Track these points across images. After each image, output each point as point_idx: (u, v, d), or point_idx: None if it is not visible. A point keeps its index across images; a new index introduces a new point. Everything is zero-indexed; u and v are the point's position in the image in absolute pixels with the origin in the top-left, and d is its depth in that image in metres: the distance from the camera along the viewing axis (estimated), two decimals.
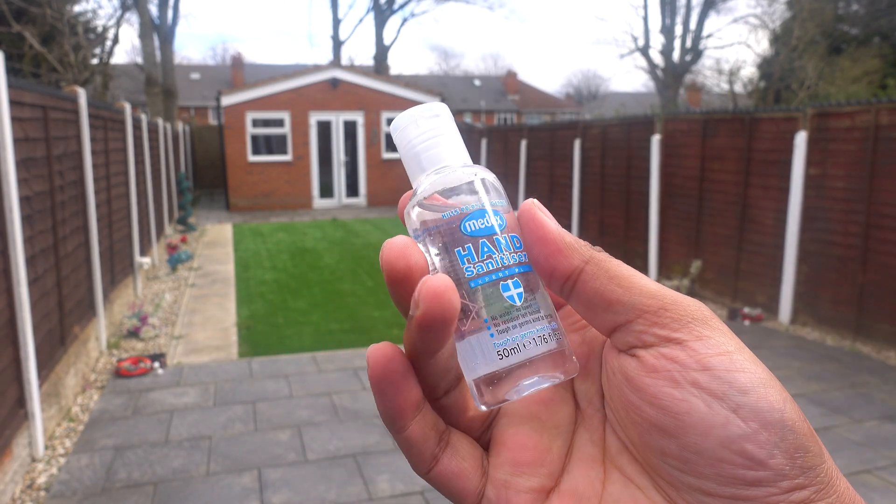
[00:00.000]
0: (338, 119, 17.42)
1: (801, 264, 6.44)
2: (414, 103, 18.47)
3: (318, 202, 17.70)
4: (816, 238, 6.25)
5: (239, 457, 3.87)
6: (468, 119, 35.12)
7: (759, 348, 5.82)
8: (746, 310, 6.77)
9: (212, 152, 22.96)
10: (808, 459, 0.30)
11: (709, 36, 25.84)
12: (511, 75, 39.58)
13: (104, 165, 6.45)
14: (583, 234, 10.25)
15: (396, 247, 0.33)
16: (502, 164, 13.34)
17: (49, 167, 4.55)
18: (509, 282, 0.35)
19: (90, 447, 3.99)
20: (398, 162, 17.77)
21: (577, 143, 10.20)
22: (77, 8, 16.80)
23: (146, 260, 8.06)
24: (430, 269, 0.35)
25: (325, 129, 17.40)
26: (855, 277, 5.89)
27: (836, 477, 0.30)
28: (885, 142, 5.59)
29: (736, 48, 70.09)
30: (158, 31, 19.99)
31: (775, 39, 19.78)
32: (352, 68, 18.84)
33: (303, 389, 4.89)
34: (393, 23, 76.45)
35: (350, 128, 17.59)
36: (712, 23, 41.33)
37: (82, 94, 5.49)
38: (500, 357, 0.34)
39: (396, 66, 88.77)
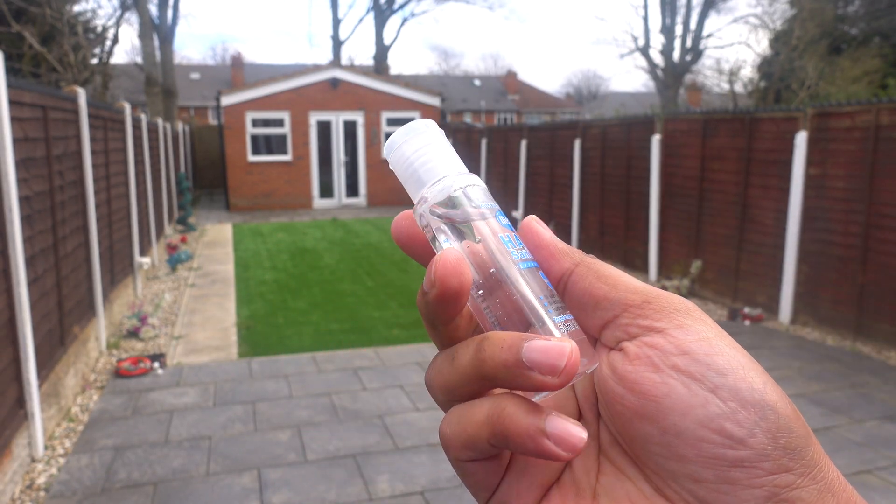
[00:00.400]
0: (338, 119, 17.42)
1: (801, 264, 6.44)
2: (414, 103, 18.41)
3: (318, 202, 17.70)
4: (817, 238, 6.25)
5: (239, 457, 3.87)
6: (468, 119, 35.13)
7: (760, 348, 5.81)
8: (746, 310, 6.77)
9: (212, 152, 22.96)
10: (793, 440, 0.29)
11: (709, 36, 25.86)
12: (511, 75, 39.59)
13: (104, 165, 6.44)
14: (583, 234, 10.24)
15: (451, 263, 0.33)
16: (502, 164, 13.33)
17: (49, 167, 4.54)
18: (540, 271, 0.36)
19: (90, 447, 3.98)
20: None
21: (577, 143, 10.20)
22: (77, 8, 16.80)
23: (146, 260, 8.06)
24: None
25: (325, 129, 17.40)
26: (855, 277, 5.89)
27: (823, 462, 0.30)
28: (885, 142, 5.58)
29: (736, 48, 70.09)
30: (158, 31, 20.00)
31: (775, 39, 19.78)
32: (352, 68, 18.84)
33: (303, 389, 4.89)
34: (393, 23, 76.51)
35: (350, 128, 17.59)
36: (712, 23, 41.38)
37: (82, 94, 5.49)
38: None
39: (396, 66, 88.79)
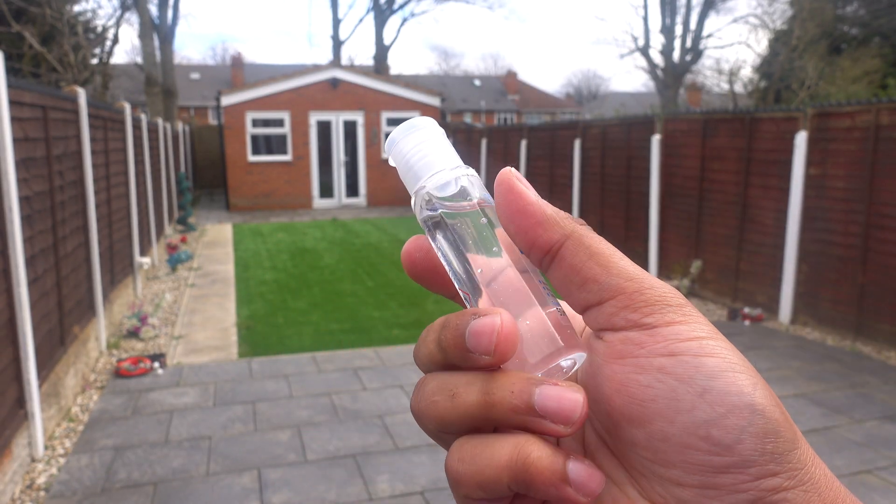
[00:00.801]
0: (338, 119, 17.42)
1: (801, 264, 6.44)
2: (414, 103, 18.40)
3: (318, 202, 17.70)
4: (817, 238, 6.25)
5: (239, 457, 3.87)
6: (468, 119, 35.13)
7: (760, 348, 5.81)
8: (747, 310, 6.77)
9: (212, 152, 22.96)
10: (780, 444, 0.29)
11: (709, 36, 25.85)
12: (511, 75, 39.60)
13: (104, 165, 6.44)
14: None
15: (512, 335, 0.32)
16: (502, 165, 13.28)
17: (49, 167, 4.54)
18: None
19: (90, 447, 3.98)
20: None
21: (577, 143, 10.20)
22: (77, 8, 16.80)
23: (146, 260, 8.05)
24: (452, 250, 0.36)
25: (325, 129, 17.40)
26: (855, 277, 5.89)
27: (811, 464, 0.30)
28: (885, 142, 5.58)
29: (736, 48, 70.09)
30: (158, 31, 19.99)
31: (775, 39, 19.78)
32: (352, 68, 18.84)
33: (303, 389, 4.89)
34: (393, 23, 76.49)
35: (350, 128, 17.59)
36: (712, 23, 41.39)
37: (82, 94, 5.49)
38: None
39: (396, 66, 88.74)
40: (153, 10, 19.72)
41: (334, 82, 17.18)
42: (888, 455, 3.85)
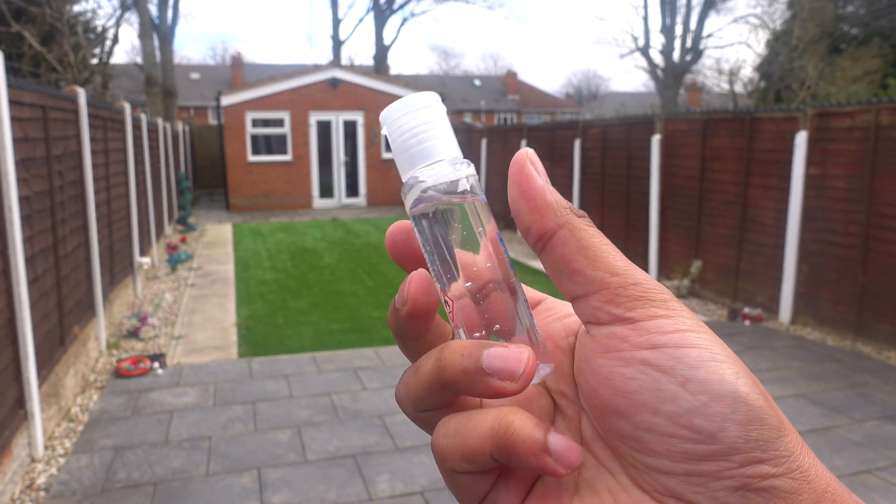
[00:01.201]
0: (338, 119, 17.42)
1: (801, 264, 6.43)
2: None
3: (318, 202, 17.69)
4: (817, 238, 6.25)
5: (239, 457, 3.86)
6: (468, 119, 35.11)
7: (760, 348, 5.81)
8: (747, 310, 6.77)
9: (212, 152, 22.96)
10: (765, 432, 0.29)
11: (709, 36, 25.85)
12: (511, 75, 39.60)
13: (104, 165, 6.44)
14: None
15: (424, 282, 0.34)
16: (502, 165, 13.33)
17: (49, 167, 4.54)
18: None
19: (90, 447, 3.98)
20: None
21: (577, 143, 10.20)
22: (77, 8, 16.80)
23: (146, 260, 8.05)
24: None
25: (324, 129, 17.40)
26: (855, 277, 5.89)
27: (800, 452, 0.30)
28: (885, 142, 5.58)
29: (736, 48, 70.08)
30: (158, 31, 19.99)
31: (775, 40, 19.78)
32: (352, 68, 18.84)
33: (303, 389, 4.89)
34: (393, 23, 76.49)
35: (350, 128, 17.58)
36: (712, 23, 41.42)
37: (82, 94, 5.49)
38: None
39: (396, 66, 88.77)
40: (153, 10, 19.74)
41: (334, 82, 17.18)
42: (888, 455, 3.85)
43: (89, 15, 17.60)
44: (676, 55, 25.25)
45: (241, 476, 3.65)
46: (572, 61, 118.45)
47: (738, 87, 22.57)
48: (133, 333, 6.14)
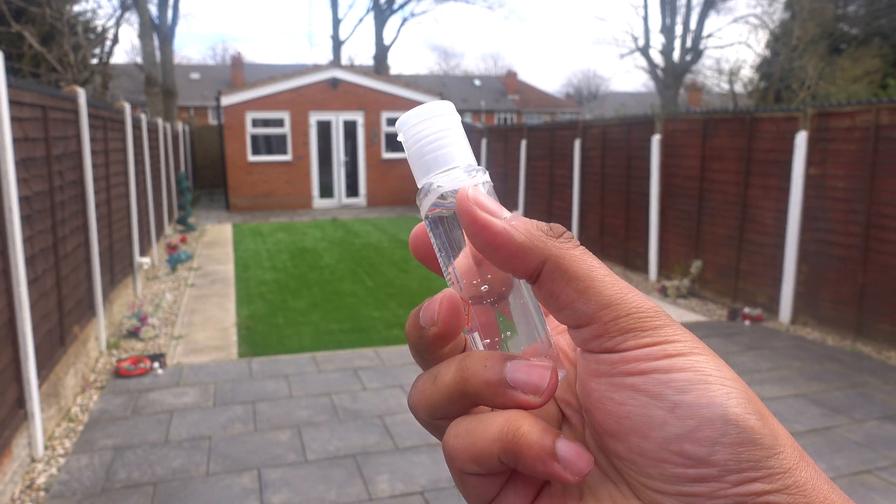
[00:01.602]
0: (338, 119, 17.42)
1: (801, 264, 6.43)
2: (414, 103, 18.46)
3: (318, 202, 17.69)
4: (817, 238, 6.25)
5: (239, 457, 3.86)
6: (468, 119, 35.11)
7: (760, 348, 5.81)
8: (747, 310, 6.77)
9: (212, 152, 22.96)
10: (756, 452, 0.29)
11: (709, 36, 25.84)
12: (511, 75, 39.59)
13: (104, 165, 6.44)
14: (583, 234, 10.24)
15: (455, 304, 0.34)
16: (502, 164, 13.33)
17: (49, 167, 4.54)
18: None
19: (90, 447, 3.98)
20: (398, 162, 17.76)
21: (577, 143, 10.20)
22: (77, 8, 16.80)
23: (146, 260, 8.05)
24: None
25: (325, 129, 17.40)
26: (855, 277, 5.89)
27: (795, 467, 0.29)
28: (885, 142, 5.58)
29: (736, 48, 70.09)
30: (158, 31, 19.99)
31: (775, 40, 19.77)
32: (352, 68, 18.83)
33: (303, 389, 4.89)
34: (393, 23, 76.50)
35: (350, 128, 17.58)
36: (712, 23, 41.43)
37: (82, 94, 5.49)
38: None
39: (396, 66, 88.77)
40: (153, 10, 19.73)
41: (334, 82, 17.18)
42: (888, 455, 3.85)
43: (89, 15, 17.61)
44: (676, 55, 25.25)
45: (241, 476, 3.65)
46: (572, 61, 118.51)
47: (738, 87, 22.58)
48: (133, 333, 6.14)
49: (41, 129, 4.43)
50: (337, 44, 28.70)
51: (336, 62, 26.21)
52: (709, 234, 7.62)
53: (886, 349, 5.64)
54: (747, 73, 23.88)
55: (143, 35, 18.68)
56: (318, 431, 4.19)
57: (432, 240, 0.37)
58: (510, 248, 0.32)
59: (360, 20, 29.12)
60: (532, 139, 11.97)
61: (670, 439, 0.30)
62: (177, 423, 4.32)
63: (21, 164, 3.93)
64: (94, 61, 17.10)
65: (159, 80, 19.32)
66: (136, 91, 27.69)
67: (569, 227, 10.45)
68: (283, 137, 17.19)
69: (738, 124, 7.10)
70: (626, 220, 9.17)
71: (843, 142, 5.97)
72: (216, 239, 12.30)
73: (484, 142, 14.49)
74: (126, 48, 60.08)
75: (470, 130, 15.92)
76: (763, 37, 27.11)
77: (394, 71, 36.84)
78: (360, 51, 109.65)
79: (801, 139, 6.27)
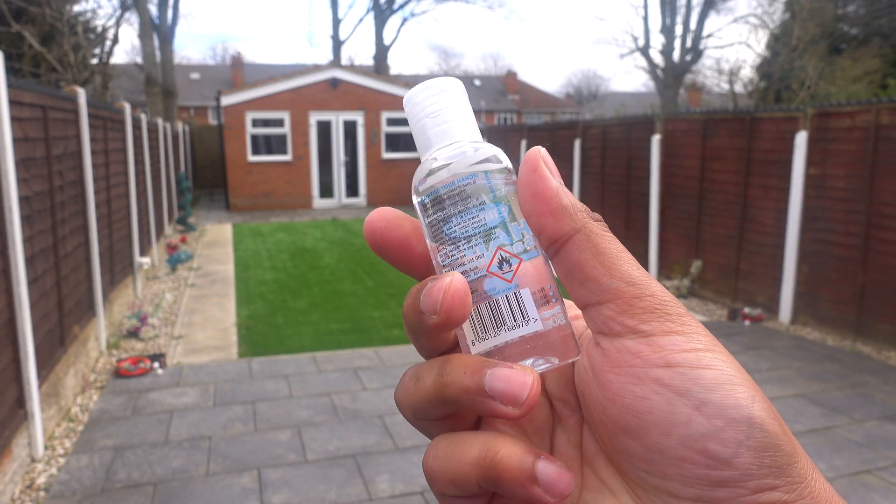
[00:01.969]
0: (338, 119, 17.42)
1: (801, 264, 6.43)
2: None
3: (318, 202, 17.69)
4: (817, 238, 6.25)
5: (239, 457, 3.86)
6: None
7: (760, 348, 5.81)
8: (747, 310, 6.77)
9: (212, 152, 22.96)
10: (778, 458, 0.28)
11: (709, 36, 25.86)
12: (511, 75, 39.59)
13: (104, 165, 6.44)
14: None
15: (460, 294, 0.32)
16: None
17: (49, 167, 4.54)
18: (540, 252, 0.36)
19: (90, 447, 3.98)
20: (398, 162, 17.77)
21: (577, 143, 10.20)
22: (77, 8, 16.80)
23: (146, 260, 8.05)
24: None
25: (325, 129, 17.40)
26: (855, 277, 5.89)
27: (810, 477, 0.29)
28: (885, 142, 5.58)
29: (736, 48, 70.07)
30: (158, 31, 19.99)
31: (775, 40, 19.77)
32: (352, 68, 18.83)
33: (303, 389, 4.89)
34: (393, 22, 76.50)
35: (350, 128, 17.58)
36: (712, 23, 41.40)
37: (82, 94, 5.49)
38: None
39: (396, 65, 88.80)
40: (153, 10, 19.73)
41: (334, 82, 17.18)
42: (888, 455, 3.85)
43: (89, 15, 17.60)
44: (676, 55, 25.25)
45: (241, 476, 3.65)
46: (572, 61, 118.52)
47: (738, 87, 22.58)
48: (133, 333, 6.14)
49: (41, 129, 4.43)
50: (337, 44, 28.71)
51: (336, 62, 26.21)
52: (709, 234, 7.62)
53: (886, 349, 5.64)
54: (747, 73, 23.89)
55: (143, 35, 18.68)
56: (318, 431, 4.19)
57: (431, 217, 0.35)
58: (553, 204, 0.33)
59: (360, 20, 29.13)
60: (532, 139, 11.98)
61: (695, 437, 0.29)
62: (177, 423, 4.32)
63: (21, 164, 3.93)
64: (94, 61, 17.10)
65: (159, 80, 19.33)
66: (136, 91, 27.69)
67: None
68: (283, 137, 17.19)
69: (738, 124, 7.10)
70: (626, 220, 9.17)
71: (843, 142, 5.97)
72: (216, 239, 12.30)
73: None
74: (126, 48, 60.12)
75: None
76: (763, 37, 27.11)
77: (394, 71, 36.84)
78: (360, 51, 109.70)
79: (801, 139, 6.27)
